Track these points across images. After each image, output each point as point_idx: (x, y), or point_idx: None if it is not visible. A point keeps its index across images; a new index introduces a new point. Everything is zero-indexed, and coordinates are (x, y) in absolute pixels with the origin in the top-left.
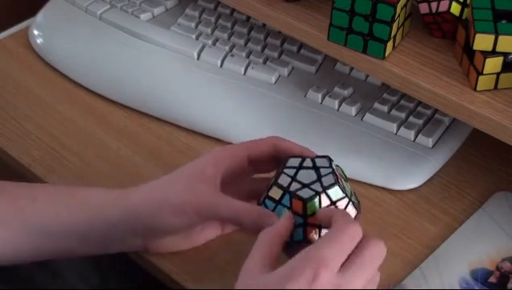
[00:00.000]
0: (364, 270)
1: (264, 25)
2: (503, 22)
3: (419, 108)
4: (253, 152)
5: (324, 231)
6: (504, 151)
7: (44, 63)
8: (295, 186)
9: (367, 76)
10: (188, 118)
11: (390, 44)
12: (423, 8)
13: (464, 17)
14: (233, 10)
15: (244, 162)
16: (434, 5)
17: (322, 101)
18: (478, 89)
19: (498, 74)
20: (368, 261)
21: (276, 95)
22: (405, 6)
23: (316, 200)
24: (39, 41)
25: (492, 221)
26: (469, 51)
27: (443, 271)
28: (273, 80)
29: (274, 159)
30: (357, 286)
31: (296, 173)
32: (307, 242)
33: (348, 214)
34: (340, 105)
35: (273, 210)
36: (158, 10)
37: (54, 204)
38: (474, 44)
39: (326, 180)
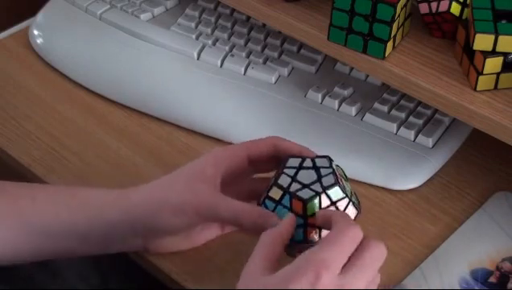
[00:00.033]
0: (365, 271)
1: (264, 25)
2: (503, 22)
3: (419, 108)
4: (253, 152)
5: (324, 231)
6: (504, 151)
7: (44, 63)
8: (295, 186)
9: (367, 76)
10: (188, 118)
11: (390, 44)
12: (423, 8)
13: (464, 17)
14: (233, 10)
15: (244, 162)
16: (434, 5)
17: (322, 101)
18: (478, 89)
19: (498, 74)
20: (368, 262)
21: (276, 95)
22: (405, 6)
23: (316, 200)
24: (39, 41)
25: (492, 221)
26: (469, 51)
27: (443, 271)
28: (273, 80)
29: (274, 159)
30: (358, 287)
31: (296, 173)
32: (307, 242)
33: (348, 216)
34: (340, 105)
35: (273, 211)
36: (158, 10)
37: (54, 204)
38: (474, 44)
39: (326, 181)
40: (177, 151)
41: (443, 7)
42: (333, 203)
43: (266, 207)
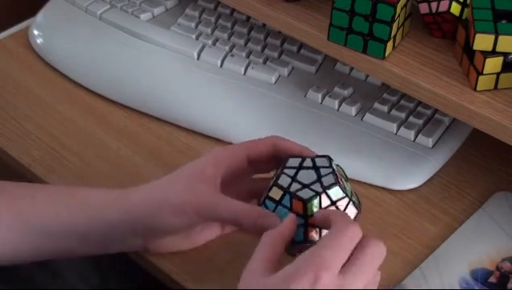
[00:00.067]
0: (364, 270)
1: (264, 25)
2: (503, 22)
3: (419, 108)
4: (253, 152)
5: (324, 231)
6: (504, 151)
7: (44, 63)
8: (295, 186)
9: (367, 76)
10: (188, 118)
11: (390, 44)
12: (423, 8)
13: (464, 17)
14: (233, 10)
15: (244, 162)
16: (434, 5)
17: (322, 101)
18: (478, 89)
19: (498, 74)
20: (368, 261)
21: (276, 95)
22: (405, 6)
23: (317, 200)
24: (39, 41)
25: (492, 221)
26: (469, 51)
27: (443, 271)
28: (273, 80)
29: (273, 159)
30: (358, 286)
31: (296, 173)
32: (308, 242)
33: (347, 215)
34: (340, 105)
35: (273, 211)
36: (158, 10)
37: (54, 204)
38: (474, 44)
39: (326, 180)
40: (177, 151)
41: (443, 7)
42: (333, 203)
43: (267, 207)
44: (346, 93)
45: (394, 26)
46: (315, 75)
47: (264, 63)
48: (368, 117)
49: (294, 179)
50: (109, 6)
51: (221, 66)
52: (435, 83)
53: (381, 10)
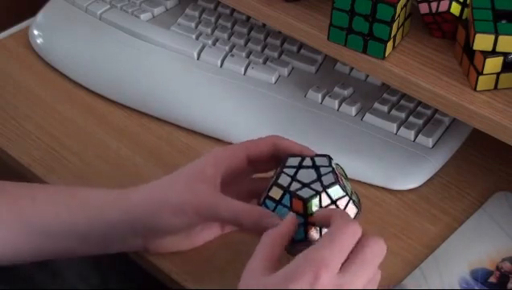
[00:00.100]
0: (365, 269)
1: (264, 25)
2: (503, 22)
3: (419, 108)
4: (253, 152)
5: (324, 230)
6: (504, 151)
7: (44, 63)
8: (295, 186)
9: (367, 76)
10: (188, 118)
11: (390, 44)
12: (423, 8)
13: (464, 17)
14: (233, 10)
15: (244, 162)
16: (434, 5)
17: (322, 101)
18: (478, 89)
19: (498, 74)
20: (368, 260)
21: (276, 95)
22: (405, 6)
23: (317, 199)
24: (39, 41)
25: (492, 221)
26: (469, 51)
27: (443, 271)
28: (273, 80)
29: (273, 158)
30: (359, 286)
31: (296, 173)
32: (308, 241)
33: (346, 214)
34: (340, 105)
35: (273, 210)
36: (158, 10)
37: (54, 204)
38: (474, 44)
39: (326, 179)
40: (177, 151)
41: (443, 7)
42: (333, 202)
43: (267, 207)
44: (346, 93)
45: (394, 26)
46: (315, 75)
47: (264, 63)
48: (368, 117)
49: (294, 178)
50: (109, 6)
51: (221, 66)
52: (435, 83)
53: (381, 10)
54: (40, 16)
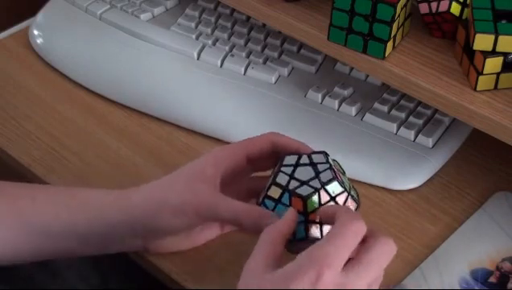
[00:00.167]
0: (370, 270)
1: (264, 25)
2: (503, 22)
3: (419, 108)
4: (252, 150)
5: (325, 227)
6: (504, 151)
7: (44, 63)
8: (293, 184)
9: (367, 76)
10: (188, 118)
11: (390, 44)
12: (423, 8)
13: (464, 17)
14: (233, 10)
15: (243, 161)
16: (434, 5)
17: (322, 101)
18: (478, 89)
19: (498, 74)
20: (374, 260)
21: (276, 95)
22: (405, 6)
23: (316, 196)
24: (39, 41)
25: (492, 221)
26: (469, 51)
27: (443, 271)
28: (273, 80)
29: (272, 155)
30: (362, 286)
31: (294, 171)
32: (309, 239)
33: (351, 210)
34: (340, 105)
35: (273, 210)
36: (158, 10)
37: (54, 204)
38: (474, 44)
39: (324, 176)
40: (177, 151)
41: (443, 7)
42: (333, 198)
43: (266, 206)
44: (346, 93)
45: (394, 26)
46: (315, 75)
47: (264, 63)
48: (368, 117)
49: (292, 176)
50: (109, 6)
51: (221, 66)
52: (435, 83)
53: (381, 10)
54: (40, 16)
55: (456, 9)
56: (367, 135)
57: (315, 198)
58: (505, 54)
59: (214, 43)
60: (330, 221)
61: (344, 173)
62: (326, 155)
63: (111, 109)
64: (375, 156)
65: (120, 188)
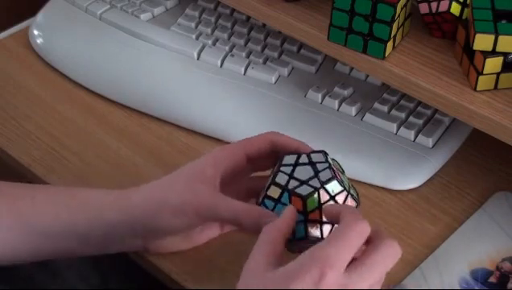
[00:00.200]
0: (373, 271)
1: (264, 25)
2: (503, 22)
3: (419, 108)
4: (251, 150)
5: (325, 226)
6: (504, 151)
7: (44, 63)
8: (293, 183)
9: (367, 76)
10: (188, 118)
11: (390, 44)
12: (423, 8)
13: (464, 17)
14: (233, 10)
15: (243, 160)
16: (434, 5)
17: (322, 101)
18: (478, 89)
19: (498, 74)
20: (379, 262)
21: (276, 95)
22: (405, 6)
23: (316, 196)
24: (39, 41)
25: (492, 221)
26: (469, 51)
27: (443, 271)
28: (273, 80)
29: (271, 155)
30: (363, 287)
31: (293, 170)
32: (308, 238)
33: (356, 211)
34: (340, 105)
35: (272, 209)
36: (158, 10)
37: (54, 205)
38: (474, 44)
39: (323, 175)
40: (177, 151)
41: (443, 7)
42: (332, 197)
43: (266, 206)
44: (346, 93)
45: (394, 26)
46: (315, 75)
47: (264, 63)
48: (368, 117)
49: (291, 176)
50: (109, 6)
51: (221, 66)
52: (435, 83)
53: (381, 10)
54: (40, 16)
55: (456, 9)
56: (367, 135)
57: (314, 197)
58: (505, 54)
59: (214, 43)
60: (335, 220)
61: (343, 172)
62: (325, 154)
63: (111, 109)
64: (375, 156)
65: (120, 188)
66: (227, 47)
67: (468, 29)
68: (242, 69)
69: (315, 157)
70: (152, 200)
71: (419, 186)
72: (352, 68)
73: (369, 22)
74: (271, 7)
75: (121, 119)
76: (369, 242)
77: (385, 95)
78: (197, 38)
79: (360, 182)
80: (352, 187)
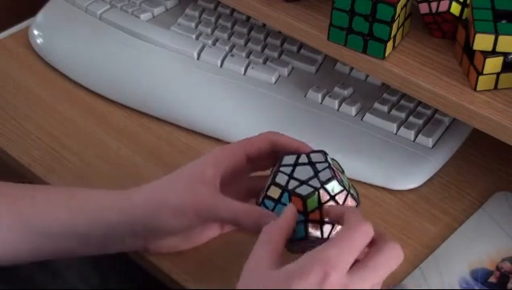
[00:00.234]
0: (375, 274)
1: (264, 25)
2: (503, 22)
3: (419, 108)
4: (251, 150)
5: (325, 226)
6: (504, 151)
7: (44, 63)
8: (292, 184)
9: (367, 76)
10: (188, 118)
11: (390, 44)
12: (423, 8)
13: (464, 17)
14: (233, 10)
15: (243, 160)
16: (434, 5)
17: (322, 101)
18: (478, 89)
19: (498, 74)
20: (381, 265)
21: (276, 95)
22: (405, 6)
23: (315, 196)
24: (39, 41)
25: (492, 221)
26: (469, 51)
27: (443, 271)
28: (273, 80)
29: (271, 155)
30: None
31: (293, 171)
32: (309, 238)
33: (359, 213)
34: (340, 105)
35: (272, 210)
36: (158, 10)
37: (54, 205)
38: (474, 44)
39: (323, 175)
40: (177, 151)
41: (443, 7)
42: (332, 197)
43: (266, 206)
44: (346, 93)
45: (394, 26)
46: (315, 75)
47: (264, 63)
48: (368, 117)
49: (291, 176)
50: (109, 6)
51: (221, 66)
52: (435, 83)
53: (381, 10)
54: (40, 16)
55: (456, 9)
56: (367, 135)
57: (314, 197)
58: (505, 54)
59: (214, 43)
60: (339, 221)
61: (343, 172)
62: (325, 154)
63: (111, 109)
64: (375, 156)
65: (120, 188)
66: (227, 47)
67: (468, 29)
68: (242, 69)
69: (314, 157)
70: (152, 200)
71: (419, 186)
72: (352, 68)
73: (369, 22)
74: (271, 7)
75: (121, 119)
76: (372, 244)
77: (385, 95)
78: (197, 38)
79: (360, 182)
80: (352, 187)
